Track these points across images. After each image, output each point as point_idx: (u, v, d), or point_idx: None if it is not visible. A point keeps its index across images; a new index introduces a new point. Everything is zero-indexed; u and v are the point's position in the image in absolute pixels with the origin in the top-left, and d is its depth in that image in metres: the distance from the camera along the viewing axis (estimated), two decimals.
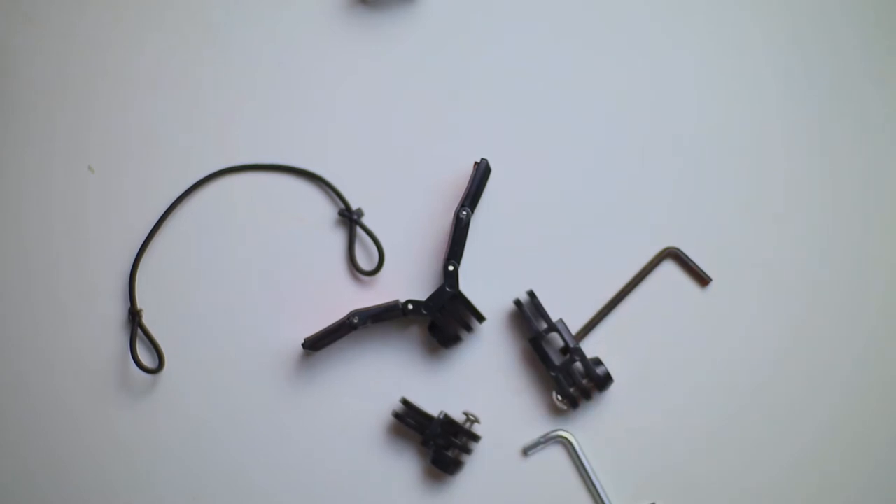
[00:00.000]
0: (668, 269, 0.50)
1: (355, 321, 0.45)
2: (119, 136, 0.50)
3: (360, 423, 0.48)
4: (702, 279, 0.49)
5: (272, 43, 0.52)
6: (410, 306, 0.45)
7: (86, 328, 0.48)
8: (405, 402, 0.47)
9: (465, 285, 0.47)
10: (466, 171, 0.50)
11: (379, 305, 0.45)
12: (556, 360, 0.47)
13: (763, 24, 0.53)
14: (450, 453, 0.46)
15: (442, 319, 0.45)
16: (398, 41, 0.52)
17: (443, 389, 0.48)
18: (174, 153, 0.50)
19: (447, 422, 0.46)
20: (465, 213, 0.45)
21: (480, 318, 0.46)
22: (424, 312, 0.45)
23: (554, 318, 0.47)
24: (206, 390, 0.48)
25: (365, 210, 0.50)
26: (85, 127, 0.50)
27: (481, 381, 0.48)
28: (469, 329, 0.47)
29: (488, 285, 0.49)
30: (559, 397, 0.46)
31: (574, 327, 0.48)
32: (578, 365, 0.46)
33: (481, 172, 0.47)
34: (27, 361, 0.48)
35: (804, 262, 0.50)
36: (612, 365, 0.46)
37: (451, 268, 0.44)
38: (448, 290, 0.45)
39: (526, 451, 0.47)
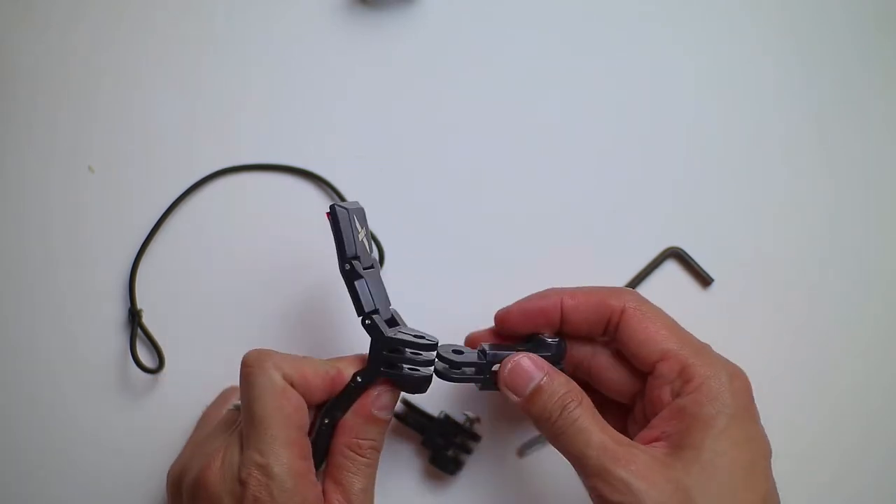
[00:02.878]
0: (670, 268, 0.50)
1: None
2: (119, 136, 0.50)
3: None
4: (703, 279, 0.49)
5: (272, 43, 0.52)
6: (359, 378, 0.39)
7: (86, 328, 0.48)
8: (405, 401, 0.47)
9: (464, 294, 0.46)
10: (468, 169, 0.50)
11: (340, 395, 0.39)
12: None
13: (762, 23, 0.53)
14: (449, 453, 0.45)
15: (393, 373, 0.39)
16: (398, 41, 0.52)
17: (443, 389, 0.48)
18: (174, 153, 0.50)
19: (447, 422, 0.46)
20: (347, 266, 0.39)
21: (431, 347, 0.40)
22: (372, 379, 0.39)
23: None
24: (207, 390, 0.48)
25: (365, 210, 0.50)
26: (85, 127, 0.50)
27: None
28: (429, 363, 0.40)
29: (489, 286, 0.49)
30: None
31: None
32: None
33: (338, 222, 0.39)
34: (27, 361, 0.48)
35: (806, 263, 0.50)
36: None
37: (368, 322, 0.39)
38: (378, 343, 0.39)
39: (521, 451, 0.47)
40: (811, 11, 0.53)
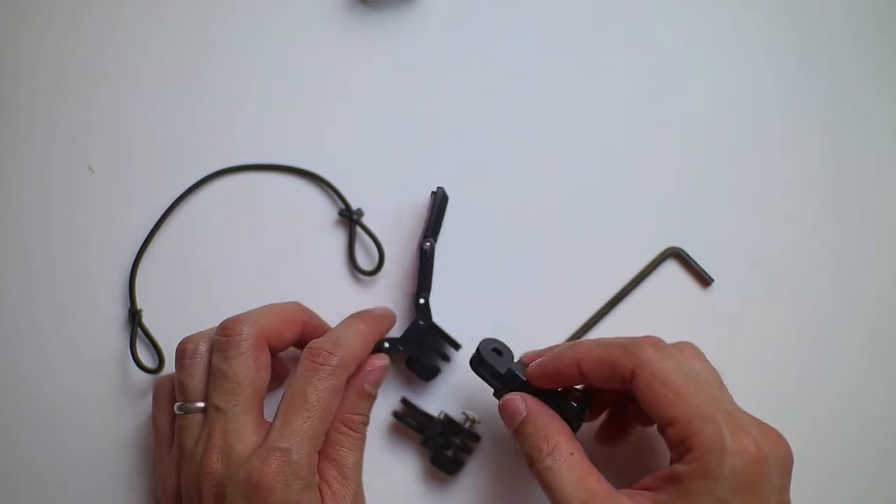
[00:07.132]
0: (671, 268, 0.50)
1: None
2: (119, 136, 0.50)
3: None
4: (703, 280, 0.49)
5: (272, 42, 0.52)
6: (387, 344, 0.45)
7: (86, 328, 0.48)
8: (405, 401, 0.47)
9: (463, 295, 0.46)
10: (467, 170, 0.50)
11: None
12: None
13: (762, 23, 0.53)
14: (450, 453, 0.45)
15: (419, 353, 0.45)
16: (398, 41, 0.52)
17: (443, 389, 0.48)
18: (174, 153, 0.50)
19: (447, 422, 0.46)
20: (428, 244, 0.44)
21: (456, 347, 0.46)
22: (401, 349, 0.45)
23: (557, 319, 0.47)
24: None
25: (365, 210, 0.50)
26: (85, 127, 0.50)
27: (482, 381, 0.48)
28: (447, 359, 0.47)
29: (489, 287, 0.49)
30: None
31: (574, 327, 0.48)
32: None
33: (439, 201, 0.46)
34: (27, 361, 0.48)
35: (806, 263, 0.50)
36: None
37: (422, 300, 0.44)
38: (422, 323, 0.44)
39: None
40: (811, 11, 0.53)
